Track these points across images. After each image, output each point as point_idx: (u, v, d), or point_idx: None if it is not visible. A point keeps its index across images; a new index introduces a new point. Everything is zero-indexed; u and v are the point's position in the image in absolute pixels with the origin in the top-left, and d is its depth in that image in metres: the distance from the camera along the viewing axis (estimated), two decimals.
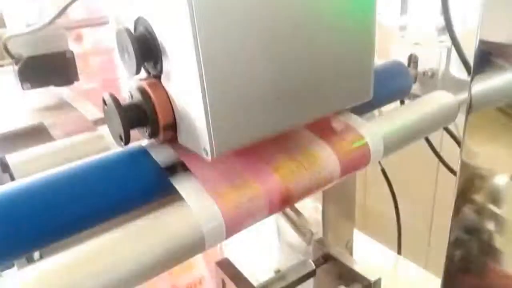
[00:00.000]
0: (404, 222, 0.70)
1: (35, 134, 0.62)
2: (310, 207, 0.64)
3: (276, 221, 0.76)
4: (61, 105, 0.60)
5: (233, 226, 0.27)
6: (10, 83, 0.61)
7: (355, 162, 0.34)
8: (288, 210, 0.63)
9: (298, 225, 0.61)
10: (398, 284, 0.59)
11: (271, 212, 0.30)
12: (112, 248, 0.23)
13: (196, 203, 0.26)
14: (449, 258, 0.48)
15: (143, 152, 0.30)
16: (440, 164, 0.62)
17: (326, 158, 0.33)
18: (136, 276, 0.23)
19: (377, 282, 0.48)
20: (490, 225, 0.46)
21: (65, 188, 0.27)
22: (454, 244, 0.48)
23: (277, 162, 0.31)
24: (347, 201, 0.64)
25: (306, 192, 0.32)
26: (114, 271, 0.22)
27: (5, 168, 0.37)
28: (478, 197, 0.46)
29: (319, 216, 0.63)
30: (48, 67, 0.56)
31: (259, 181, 0.29)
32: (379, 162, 0.70)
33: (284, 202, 0.30)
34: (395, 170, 0.70)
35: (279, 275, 0.52)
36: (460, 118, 0.47)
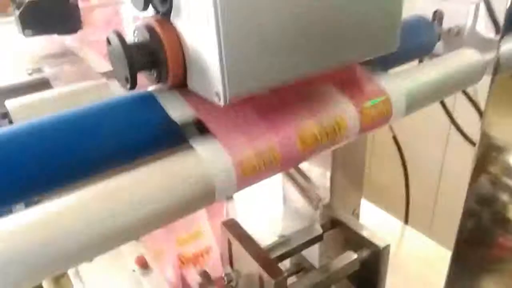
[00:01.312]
0: (410, 191, 0.68)
1: (38, 87, 0.60)
2: (318, 173, 0.62)
3: (281, 186, 0.75)
4: (65, 54, 0.58)
5: (245, 178, 0.25)
6: (14, 31, 0.58)
7: (376, 120, 0.32)
8: (295, 174, 0.61)
9: (306, 190, 0.59)
10: (405, 253, 0.58)
11: (284, 167, 0.28)
12: (114, 193, 0.21)
13: (207, 152, 0.24)
14: (461, 228, 0.47)
15: (150, 98, 0.28)
16: (451, 130, 0.60)
17: (347, 114, 0.31)
18: (140, 225, 0.22)
19: (386, 248, 0.47)
20: (505, 196, 0.44)
21: (65, 133, 0.25)
22: (468, 214, 0.46)
23: (296, 115, 0.29)
24: (356, 168, 0.63)
25: (322, 148, 0.30)
26: (116, 218, 0.21)
27: (4, 114, 0.35)
28: (495, 168, 0.44)
29: (326, 183, 0.61)
30: (50, 13, 0.54)
31: (275, 134, 0.27)
32: (391, 129, 0.68)
33: (299, 158, 0.29)
34: (404, 138, 0.68)
35: (285, 239, 0.51)
36: (480, 84, 0.45)
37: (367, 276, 0.49)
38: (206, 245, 0.56)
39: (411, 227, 0.69)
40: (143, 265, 0.66)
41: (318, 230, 0.52)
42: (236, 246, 0.43)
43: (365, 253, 0.47)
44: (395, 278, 0.51)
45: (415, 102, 0.34)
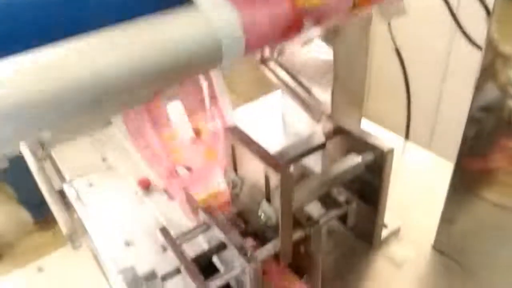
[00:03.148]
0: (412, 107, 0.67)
1: None
2: (319, 89, 0.61)
3: (281, 105, 0.74)
4: None
5: (253, 41, 0.23)
6: None
7: None
8: (297, 88, 0.60)
9: (307, 103, 0.58)
10: (407, 167, 0.58)
11: (291, 32, 0.26)
12: (117, 43, 0.20)
13: (214, 11, 0.22)
14: (465, 137, 0.47)
15: None
16: (455, 40, 0.58)
17: None
18: (142, 81, 0.20)
19: (390, 151, 0.46)
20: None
21: None
22: (472, 121, 0.46)
23: None
24: (356, 83, 0.61)
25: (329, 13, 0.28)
26: (118, 69, 0.19)
27: None
28: (502, 75, 0.43)
29: (328, 99, 0.60)
30: None
31: None
32: (394, 41, 0.65)
33: (305, 24, 0.27)
34: (407, 51, 0.65)
35: (288, 147, 0.50)
36: None
37: (369, 182, 0.49)
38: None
39: (413, 141, 0.69)
40: (146, 186, 0.66)
41: (321, 138, 0.51)
42: (240, 149, 0.43)
43: (369, 156, 0.47)
44: (397, 189, 0.52)
45: None
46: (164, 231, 0.44)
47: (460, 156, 0.47)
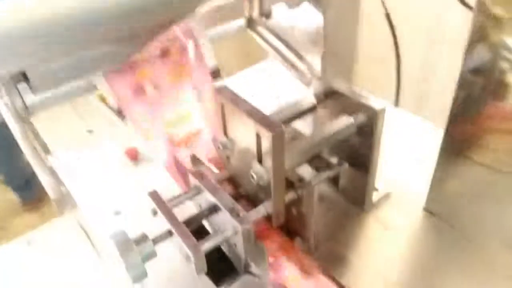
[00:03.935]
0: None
1: None
2: (309, 54, 0.60)
3: (270, 68, 0.73)
4: None
5: None
6: None
7: None
8: (286, 52, 0.59)
9: (297, 67, 0.57)
10: (397, 132, 0.58)
11: None
12: None
13: None
14: (455, 100, 0.46)
15: None
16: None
17: None
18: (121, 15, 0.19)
19: (382, 111, 0.46)
20: (504, 64, 0.43)
21: None
22: (462, 85, 0.45)
23: None
24: (347, 46, 0.61)
25: None
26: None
27: None
28: (493, 38, 0.43)
29: (318, 63, 0.59)
30: None
31: None
32: (384, 6, 0.64)
33: None
34: (397, 15, 0.65)
35: (278, 110, 0.49)
36: None
37: (360, 146, 0.49)
38: (196, 128, 0.55)
39: (402, 109, 0.68)
40: (134, 157, 0.65)
41: (312, 101, 0.50)
42: (230, 110, 0.42)
43: (361, 117, 0.46)
44: (388, 154, 0.51)
45: None
46: (154, 194, 0.43)
47: (450, 119, 0.47)
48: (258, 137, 0.39)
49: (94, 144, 0.68)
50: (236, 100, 0.41)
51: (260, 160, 0.41)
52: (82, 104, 0.75)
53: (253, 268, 0.43)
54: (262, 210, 0.42)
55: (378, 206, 0.55)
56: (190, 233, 0.40)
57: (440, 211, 0.52)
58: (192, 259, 0.38)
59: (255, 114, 0.39)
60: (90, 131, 0.71)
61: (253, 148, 0.40)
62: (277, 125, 0.37)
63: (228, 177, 0.48)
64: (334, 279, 0.41)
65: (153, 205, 0.43)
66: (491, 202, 0.47)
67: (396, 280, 0.46)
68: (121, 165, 0.64)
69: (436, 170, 0.50)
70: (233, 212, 0.41)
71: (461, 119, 0.47)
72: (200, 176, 0.45)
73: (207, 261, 0.38)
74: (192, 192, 0.45)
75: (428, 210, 0.53)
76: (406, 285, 0.46)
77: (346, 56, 0.61)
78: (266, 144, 0.38)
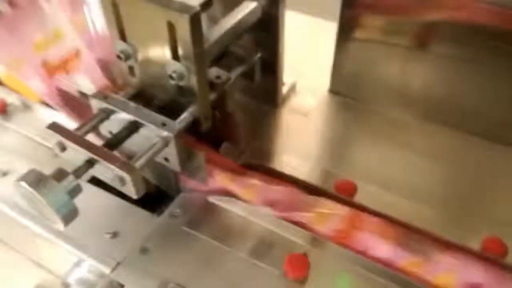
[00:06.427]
0: None
1: None
2: None
3: None
4: None
5: None
6: None
7: None
8: None
9: None
10: (291, 35, 0.57)
11: None
12: None
13: None
14: None
15: None
16: None
17: None
18: None
19: None
20: None
21: None
22: None
23: None
24: None
25: None
26: None
27: None
28: None
29: None
30: None
31: None
32: None
33: None
34: None
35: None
36: None
37: (265, 38, 0.48)
38: (73, 48, 0.46)
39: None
40: (3, 111, 0.53)
41: None
42: (128, 7, 0.35)
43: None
44: (287, 53, 0.51)
45: None
46: (55, 125, 0.36)
47: (343, 13, 0.48)
48: (170, 26, 0.34)
49: None
50: None
51: (175, 57, 0.36)
52: None
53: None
54: (188, 115, 0.38)
55: (288, 98, 0.56)
56: (116, 155, 0.35)
57: (344, 89, 0.55)
58: (128, 179, 0.33)
59: (161, 1, 0.33)
60: None
61: (165, 43, 0.35)
62: (192, 7, 0.33)
63: (135, 94, 0.42)
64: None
65: (55, 140, 0.36)
66: (387, 69, 0.51)
67: (316, 154, 0.49)
68: None
69: (335, 54, 0.52)
70: (158, 124, 0.37)
71: (355, 12, 0.48)
72: (104, 96, 0.39)
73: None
74: (99, 117, 0.39)
75: (333, 91, 0.56)
76: (322, 157, 0.49)
77: None
78: (182, 31, 0.33)
